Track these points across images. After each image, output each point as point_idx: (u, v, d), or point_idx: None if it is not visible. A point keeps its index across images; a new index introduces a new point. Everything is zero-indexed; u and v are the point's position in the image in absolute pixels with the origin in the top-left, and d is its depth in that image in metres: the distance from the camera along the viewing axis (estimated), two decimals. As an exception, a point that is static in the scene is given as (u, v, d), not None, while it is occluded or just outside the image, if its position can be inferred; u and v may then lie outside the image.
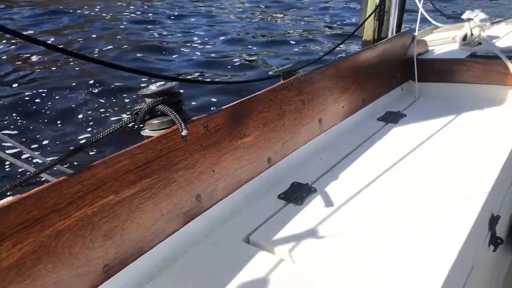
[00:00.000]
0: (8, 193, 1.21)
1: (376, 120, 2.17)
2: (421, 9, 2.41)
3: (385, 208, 1.46)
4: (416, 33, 2.48)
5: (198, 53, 7.98)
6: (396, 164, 1.76)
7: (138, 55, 7.75)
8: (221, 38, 9.01)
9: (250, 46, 8.47)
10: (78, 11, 10.71)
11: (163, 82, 1.39)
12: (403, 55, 2.43)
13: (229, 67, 7.32)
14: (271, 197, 1.59)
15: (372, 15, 6.96)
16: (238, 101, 1.55)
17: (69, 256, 1.06)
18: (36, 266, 1.00)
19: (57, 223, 1.04)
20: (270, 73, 1.76)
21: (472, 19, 2.83)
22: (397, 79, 2.42)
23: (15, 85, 6.47)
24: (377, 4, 6.51)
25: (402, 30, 2.48)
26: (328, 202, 1.53)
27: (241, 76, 6.85)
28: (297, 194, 1.58)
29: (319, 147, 1.90)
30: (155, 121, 1.36)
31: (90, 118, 5.45)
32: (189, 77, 6.81)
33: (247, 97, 1.59)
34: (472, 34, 2.51)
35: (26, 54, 7.67)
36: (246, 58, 7.81)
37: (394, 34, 7.17)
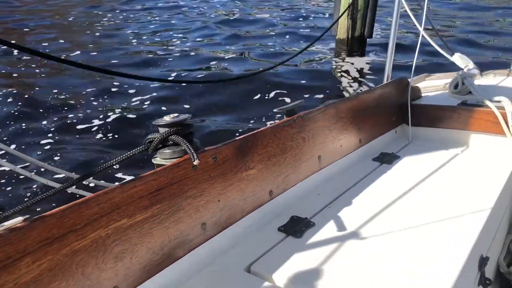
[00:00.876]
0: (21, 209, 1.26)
1: (371, 160, 2.26)
2: (415, 59, 2.55)
3: (378, 245, 1.52)
4: (411, 80, 2.61)
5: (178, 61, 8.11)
6: (390, 204, 1.84)
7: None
8: (200, 37, 9.19)
9: (227, 45, 8.68)
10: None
11: (177, 114, 1.47)
12: (397, 100, 2.56)
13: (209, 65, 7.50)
14: (271, 229, 1.65)
15: (345, 14, 7.11)
16: (245, 135, 1.64)
17: (82, 275, 1.10)
18: (51, 283, 1.04)
19: (73, 243, 1.09)
20: (275, 110, 1.85)
21: (462, 69, 3.00)
22: (392, 122, 2.53)
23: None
24: (350, 3, 6.67)
25: (396, 78, 2.61)
26: (326, 236, 1.59)
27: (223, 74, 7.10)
28: (296, 227, 1.65)
29: (317, 183, 1.97)
30: (167, 151, 1.43)
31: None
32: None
33: (253, 132, 1.67)
34: (463, 84, 2.66)
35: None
36: (226, 56, 7.98)
37: (366, 33, 7.34)
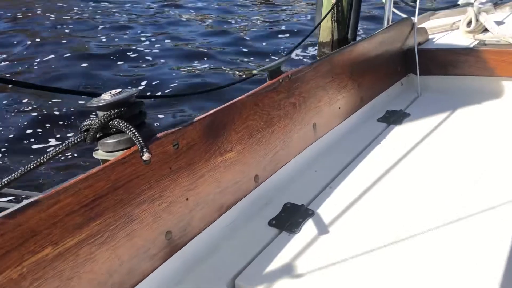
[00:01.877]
0: None
1: (377, 121, 1.90)
2: (420, -7, 2.13)
3: (396, 232, 1.19)
4: (415, 20, 2.21)
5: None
6: (404, 174, 1.50)
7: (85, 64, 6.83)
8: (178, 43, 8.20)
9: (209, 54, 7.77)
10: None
11: (120, 90, 1.09)
12: (402, 45, 2.16)
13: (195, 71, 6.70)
14: (260, 224, 1.31)
15: (329, 16, 6.70)
16: (216, 109, 1.26)
17: None
18: None
19: None
20: (254, 72, 1.46)
21: (472, 3, 2.57)
22: (396, 73, 2.15)
23: None
24: (333, 4, 6.24)
25: (391, 23, 2.19)
26: (330, 228, 1.26)
27: (211, 83, 6.11)
28: (291, 219, 1.31)
29: (314, 157, 1.62)
30: (109, 140, 1.06)
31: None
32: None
33: (227, 104, 1.30)
34: (477, 20, 2.25)
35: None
36: (206, 66, 7.18)
37: (350, 36, 6.87)
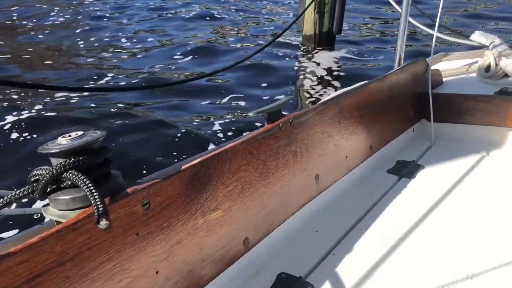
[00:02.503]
0: None
1: (387, 172, 1.69)
2: (436, 30, 1.96)
3: None
4: (430, 62, 2.03)
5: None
6: (421, 238, 1.28)
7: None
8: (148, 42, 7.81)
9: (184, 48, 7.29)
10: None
11: (81, 133, 0.87)
12: (415, 88, 1.97)
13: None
14: None
15: (312, 7, 6.38)
16: (201, 157, 1.05)
17: None
18: None
19: None
20: (251, 114, 1.25)
21: (487, 46, 2.41)
22: (408, 119, 1.95)
23: None
24: None
25: (407, 63, 2.01)
26: None
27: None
28: None
29: (315, 215, 1.40)
30: (62, 197, 0.85)
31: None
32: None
33: (214, 152, 1.09)
34: (496, 65, 2.07)
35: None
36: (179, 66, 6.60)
37: (335, 29, 6.54)
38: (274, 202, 1.25)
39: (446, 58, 2.65)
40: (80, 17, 9.34)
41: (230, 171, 1.11)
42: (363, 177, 1.63)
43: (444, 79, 2.23)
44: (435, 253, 1.22)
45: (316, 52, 6.69)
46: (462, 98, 1.92)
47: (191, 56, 6.71)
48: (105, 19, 9.26)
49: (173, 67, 6.30)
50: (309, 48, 6.85)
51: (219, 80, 5.70)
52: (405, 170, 1.69)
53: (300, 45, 7.08)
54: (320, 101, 1.48)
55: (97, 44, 7.41)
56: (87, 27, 8.63)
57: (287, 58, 6.58)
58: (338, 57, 6.52)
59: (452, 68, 2.39)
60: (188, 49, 7.02)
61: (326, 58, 6.43)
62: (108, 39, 7.75)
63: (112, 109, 4.70)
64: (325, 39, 6.81)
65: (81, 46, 7.38)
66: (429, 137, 1.95)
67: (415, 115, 1.99)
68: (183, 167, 1.00)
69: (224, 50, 6.97)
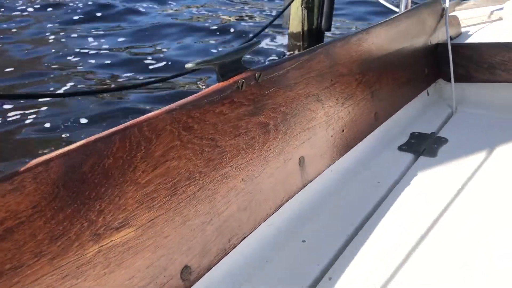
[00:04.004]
0: None
1: (398, 149, 1.23)
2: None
3: None
4: (447, 3, 1.55)
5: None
6: (449, 240, 0.83)
7: None
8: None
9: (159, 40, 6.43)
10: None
11: None
12: (429, 38, 1.50)
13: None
14: None
15: (299, 3, 5.94)
16: (85, 140, 0.59)
17: None
18: None
19: None
20: (188, 65, 0.77)
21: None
22: (422, 79, 1.49)
23: None
24: None
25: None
26: None
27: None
28: None
29: (300, 217, 0.94)
30: None
31: None
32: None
33: (117, 127, 0.62)
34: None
35: None
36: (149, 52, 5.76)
37: (324, 26, 5.98)
38: (234, 205, 0.79)
39: (459, 7, 2.16)
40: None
41: (149, 159, 0.65)
42: (366, 158, 1.17)
43: (462, 30, 1.76)
44: (469, 271, 0.77)
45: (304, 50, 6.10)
46: (492, 48, 1.45)
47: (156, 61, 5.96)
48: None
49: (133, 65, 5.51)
50: (296, 47, 6.27)
51: (188, 82, 4.83)
52: (422, 145, 1.23)
53: (285, 44, 6.49)
54: (304, 51, 1.01)
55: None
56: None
57: (269, 58, 5.96)
58: None
59: (469, 16, 1.92)
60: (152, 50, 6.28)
61: None
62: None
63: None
64: (313, 37, 6.29)
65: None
66: (449, 101, 1.50)
67: (430, 74, 1.52)
68: (43, 159, 0.54)
69: (197, 51, 6.28)
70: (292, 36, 6.30)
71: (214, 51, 6.09)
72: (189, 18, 7.50)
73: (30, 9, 7.94)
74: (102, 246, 0.60)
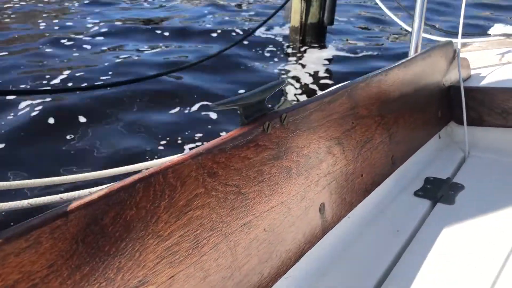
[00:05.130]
0: None
1: (414, 195, 1.19)
2: (463, 8, 1.48)
3: None
4: (459, 45, 1.54)
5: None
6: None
7: None
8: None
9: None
10: None
11: None
12: (442, 80, 1.49)
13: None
14: None
15: None
16: (107, 189, 0.53)
17: None
18: None
19: None
20: (212, 105, 0.72)
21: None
22: (435, 122, 1.46)
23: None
24: None
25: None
26: None
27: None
28: None
29: (321, 266, 0.89)
30: None
31: None
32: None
33: (139, 175, 0.57)
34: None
35: None
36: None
37: (326, 19, 5.88)
38: (255, 258, 0.74)
39: (466, 49, 2.17)
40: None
41: (173, 208, 0.60)
42: (383, 204, 1.12)
43: (472, 72, 1.75)
44: None
45: (305, 45, 6.07)
46: (505, 93, 1.44)
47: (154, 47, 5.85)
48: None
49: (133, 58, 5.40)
50: (297, 41, 6.21)
51: (186, 76, 4.61)
52: (439, 192, 1.19)
53: (286, 38, 6.43)
54: (325, 91, 0.97)
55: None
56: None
57: (270, 53, 5.87)
58: (331, 52, 5.87)
59: (479, 58, 1.92)
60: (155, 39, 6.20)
61: (316, 53, 5.78)
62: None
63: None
64: (315, 31, 6.23)
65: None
66: (461, 145, 1.47)
67: (442, 117, 1.50)
68: (62, 210, 0.48)
69: (196, 44, 6.19)
70: (293, 30, 6.23)
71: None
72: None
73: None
74: None
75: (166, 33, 6.39)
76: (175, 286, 0.60)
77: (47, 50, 5.50)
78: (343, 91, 0.97)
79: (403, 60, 1.26)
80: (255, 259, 0.74)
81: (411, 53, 1.60)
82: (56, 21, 7.00)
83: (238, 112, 0.76)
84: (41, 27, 6.61)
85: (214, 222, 0.66)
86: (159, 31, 6.45)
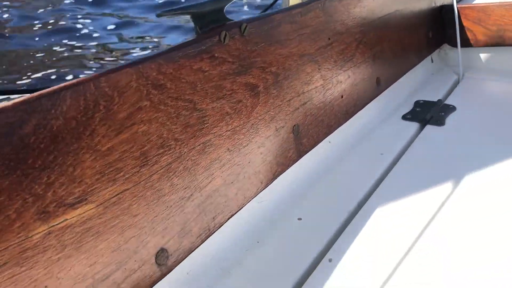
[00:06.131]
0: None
1: (402, 119, 1.12)
2: None
3: None
4: None
5: None
6: (464, 222, 0.73)
7: None
8: None
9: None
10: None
11: None
12: (434, 0, 1.38)
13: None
14: None
15: None
16: (29, 96, 0.48)
17: None
18: None
19: None
20: (158, 13, 0.65)
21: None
22: (426, 43, 1.37)
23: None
24: None
25: None
26: None
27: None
28: None
29: (296, 193, 0.84)
30: None
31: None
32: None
33: (71, 81, 0.51)
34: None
35: None
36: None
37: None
38: (218, 179, 0.68)
39: None
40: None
41: (111, 121, 0.54)
42: (368, 128, 1.06)
43: None
44: (479, 252, 0.67)
45: None
46: (502, 8, 1.34)
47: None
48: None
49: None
50: None
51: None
52: (429, 113, 1.12)
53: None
54: (296, 3, 0.89)
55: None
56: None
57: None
58: None
59: None
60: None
61: None
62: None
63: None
64: None
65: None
66: (455, 68, 1.38)
67: (434, 39, 1.41)
68: None
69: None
70: None
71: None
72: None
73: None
74: (53, 226, 0.49)
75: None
76: (122, 206, 0.55)
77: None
78: (316, 3, 0.89)
79: None
80: (218, 180, 0.69)
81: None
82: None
83: (192, 21, 0.69)
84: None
85: (165, 139, 0.61)
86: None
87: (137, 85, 0.57)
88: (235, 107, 0.71)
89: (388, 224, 0.75)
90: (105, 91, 0.54)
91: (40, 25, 5.91)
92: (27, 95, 0.48)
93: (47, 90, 0.49)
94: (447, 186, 0.84)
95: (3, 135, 0.45)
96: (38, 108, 0.48)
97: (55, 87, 0.50)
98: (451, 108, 1.16)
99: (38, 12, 6.37)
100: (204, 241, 0.66)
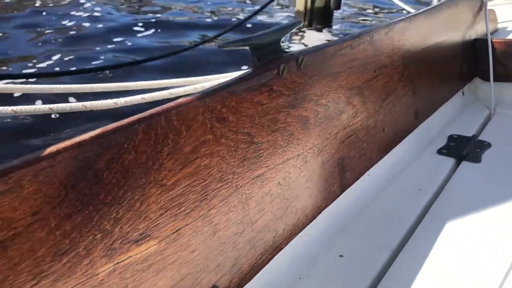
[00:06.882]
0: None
1: (437, 153, 1.11)
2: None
3: None
4: None
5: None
6: (498, 248, 0.72)
7: None
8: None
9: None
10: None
11: None
12: (468, 32, 1.38)
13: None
14: None
15: None
16: (102, 130, 0.46)
17: None
18: None
19: None
20: (220, 44, 0.64)
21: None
22: (459, 77, 1.37)
23: None
24: None
25: None
26: None
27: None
28: None
29: (337, 226, 0.82)
30: None
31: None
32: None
33: (139, 115, 0.50)
34: None
35: None
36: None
37: (333, 4, 5.56)
38: (269, 214, 0.67)
39: (492, 2, 2.03)
40: None
41: (177, 155, 0.53)
42: (405, 162, 1.05)
43: (498, 26, 1.63)
44: None
45: (310, 29, 5.81)
46: None
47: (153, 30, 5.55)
48: None
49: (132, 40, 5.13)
50: (302, 26, 5.94)
51: (192, 56, 4.23)
52: (464, 149, 1.11)
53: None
54: (346, 36, 0.89)
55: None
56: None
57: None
58: (335, 33, 5.64)
59: (505, 11, 1.79)
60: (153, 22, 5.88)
61: (322, 39, 5.53)
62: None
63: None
64: (321, 15, 5.97)
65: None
66: (486, 102, 1.38)
67: (466, 72, 1.40)
68: (48, 151, 0.41)
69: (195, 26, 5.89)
70: (298, 14, 6.00)
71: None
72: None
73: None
74: (117, 263, 0.47)
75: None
76: (181, 241, 0.54)
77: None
78: (365, 36, 0.88)
79: (428, 7, 1.16)
80: (269, 215, 0.67)
81: (435, 1, 1.49)
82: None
83: (250, 52, 0.68)
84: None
85: (224, 172, 0.59)
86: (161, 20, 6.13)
87: (203, 119, 0.56)
88: (287, 139, 0.70)
89: (431, 262, 0.74)
90: (174, 124, 0.53)
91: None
92: (102, 129, 0.47)
93: (121, 123, 0.48)
94: (488, 225, 0.83)
95: (80, 170, 0.44)
96: (113, 142, 0.47)
97: (129, 120, 0.49)
98: (486, 145, 1.14)
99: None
100: (252, 278, 0.65)
